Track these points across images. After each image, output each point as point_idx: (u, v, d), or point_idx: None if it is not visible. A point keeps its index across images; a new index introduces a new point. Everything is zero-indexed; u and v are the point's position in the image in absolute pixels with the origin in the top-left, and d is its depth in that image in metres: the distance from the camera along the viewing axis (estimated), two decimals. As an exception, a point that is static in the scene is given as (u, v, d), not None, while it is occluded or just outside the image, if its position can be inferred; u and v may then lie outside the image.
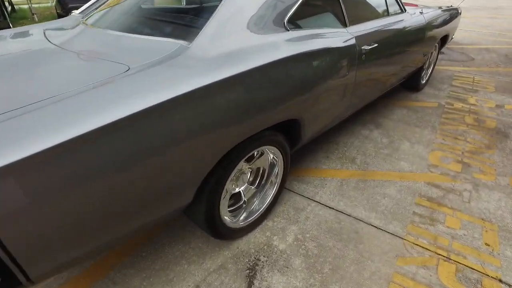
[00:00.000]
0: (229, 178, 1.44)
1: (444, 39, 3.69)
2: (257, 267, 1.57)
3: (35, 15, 8.50)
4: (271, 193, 1.80)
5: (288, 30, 1.56)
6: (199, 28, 1.31)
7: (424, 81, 3.72)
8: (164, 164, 1.08)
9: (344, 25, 1.96)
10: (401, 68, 2.71)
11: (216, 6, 1.36)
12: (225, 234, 1.59)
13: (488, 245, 1.70)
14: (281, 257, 1.62)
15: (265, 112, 1.38)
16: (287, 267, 1.57)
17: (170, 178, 1.13)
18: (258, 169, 1.78)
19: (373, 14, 2.30)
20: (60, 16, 7.28)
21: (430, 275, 1.53)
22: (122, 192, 1.01)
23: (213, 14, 1.32)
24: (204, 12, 1.52)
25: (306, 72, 1.56)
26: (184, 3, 2.00)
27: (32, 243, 0.87)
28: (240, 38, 1.35)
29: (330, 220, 1.84)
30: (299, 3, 1.63)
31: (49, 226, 0.88)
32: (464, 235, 1.76)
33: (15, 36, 1.64)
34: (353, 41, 1.91)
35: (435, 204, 1.97)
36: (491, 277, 1.53)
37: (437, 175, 2.25)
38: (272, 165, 1.77)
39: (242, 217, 1.69)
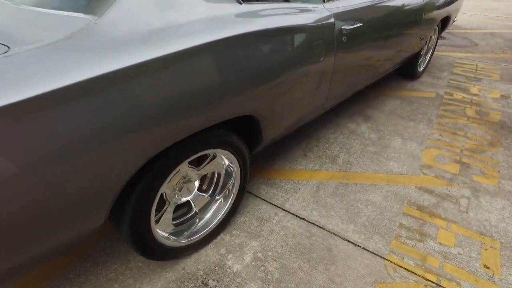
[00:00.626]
0: (160, 189, 1.14)
1: (445, 22, 3.35)
2: (202, 297, 1.29)
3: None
4: (226, 206, 1.50)
5: (241, 4, 1.23)
6: None
7: (421, 69, 3.42)
8: (50, 179, 0.78)
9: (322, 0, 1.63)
10: (393, 54, 2.37)
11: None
12: (160, 255, 1.30)
13: (488, 267, 1.41)
14: (234, 282, 1.33)
15: (204, 107, 1.07)
16: (239, 297, 1.29)
17: (63, 196, 0.84)
18: (213, 174, 1.48)
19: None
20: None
21: (415, 309, 1.24)
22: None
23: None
24: None
25: (263, 58, 1.24)
26: None
27: None
28: (171, 11, 1.03)
29: (299, 234, 1.55)
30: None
31: None
32: (459, 254, 1.47)
33: None
34: (330, 19, 1.58)
35: (426, 215, 1.67)
36: (490, 311, 1.24)
37: (431, 177, 1.94)
38: (228, 172, 1.47)
39: (185, 235, 1.40)
